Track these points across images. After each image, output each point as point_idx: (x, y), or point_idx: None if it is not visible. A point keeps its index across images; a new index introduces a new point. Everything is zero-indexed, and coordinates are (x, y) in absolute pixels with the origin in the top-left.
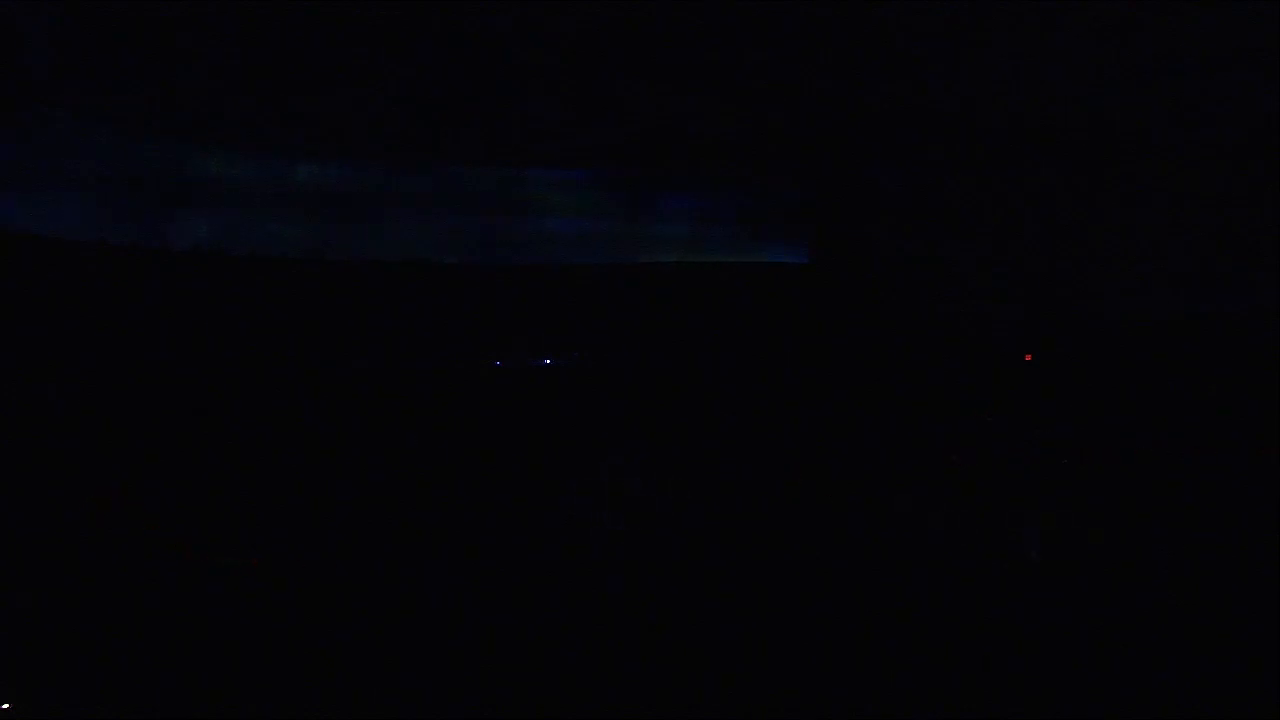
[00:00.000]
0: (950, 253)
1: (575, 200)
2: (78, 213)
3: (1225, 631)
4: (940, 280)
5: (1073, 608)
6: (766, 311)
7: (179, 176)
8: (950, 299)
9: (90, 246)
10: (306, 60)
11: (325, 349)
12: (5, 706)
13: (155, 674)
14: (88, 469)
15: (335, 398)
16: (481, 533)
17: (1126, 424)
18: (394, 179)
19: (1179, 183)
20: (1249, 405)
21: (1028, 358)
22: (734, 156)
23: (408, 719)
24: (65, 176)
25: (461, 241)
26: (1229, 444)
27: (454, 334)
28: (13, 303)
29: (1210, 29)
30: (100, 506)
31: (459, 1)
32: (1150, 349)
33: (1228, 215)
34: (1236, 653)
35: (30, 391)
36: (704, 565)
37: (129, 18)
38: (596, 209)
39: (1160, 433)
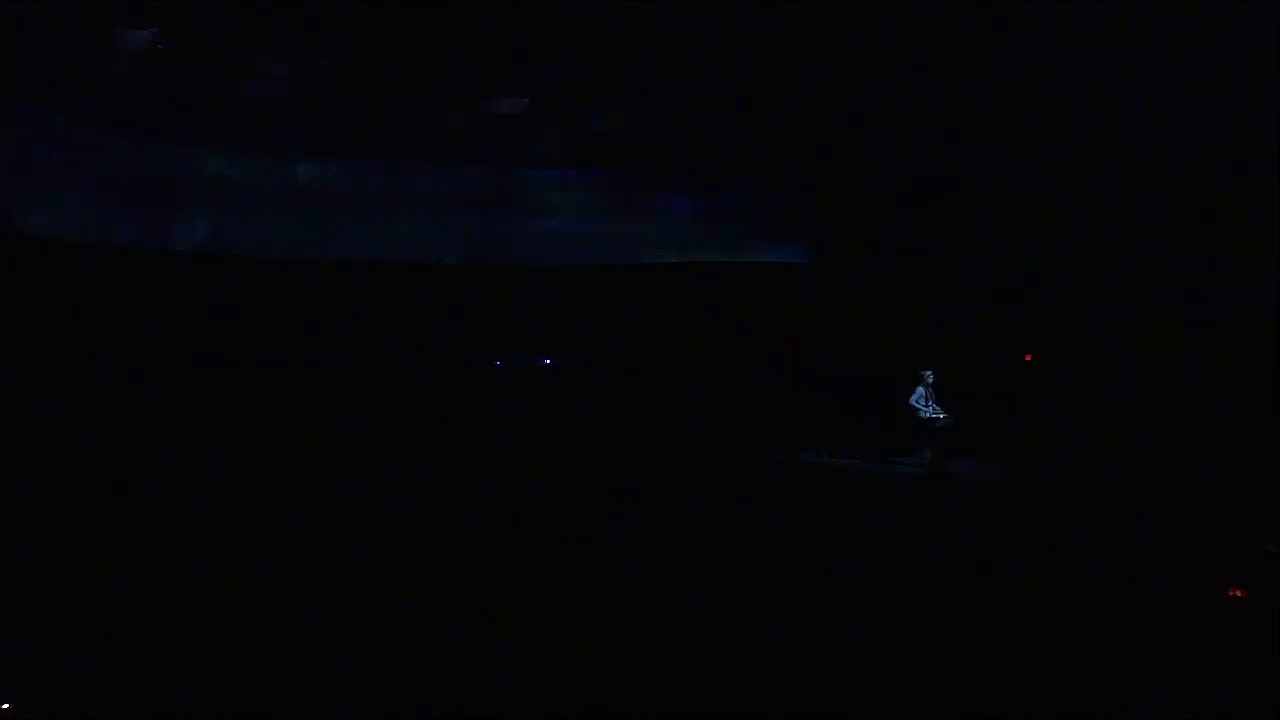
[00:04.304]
0: (950, 253)
1: (575, 200)
2: (78, 213)
3: (1224, 634)
4: (940, 280)
5: (1070, 611)
6: (766, 311)
7: (179, 176)
8: (950, 299)
9: (90, 246)
10: (306, 60)
11: (325, 349)
12: (5, 706)
13: (155, 674)
14: (88, 468)
15: (335, 398)
16: (481, 533)
17: (1126, 424)
18: (394, 179)
19: (1180, 183)
20: (1248, 406)
21: (1028, 358)
22: (734, 156)
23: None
24: (65, 176)
25: (461, 241)
26: (1228, 445)
27: (454, 334)
28: (13, 303)
29: (1211, 30)
30: (100, 505)
31: (458, 1)
32: (1150, 349)
33: (1228, 216)
34: (1235, 655)
35: (30, 391)
36: (704, 568)
37: (129, 17)
38: (596, 209)
39: (1159, 433)
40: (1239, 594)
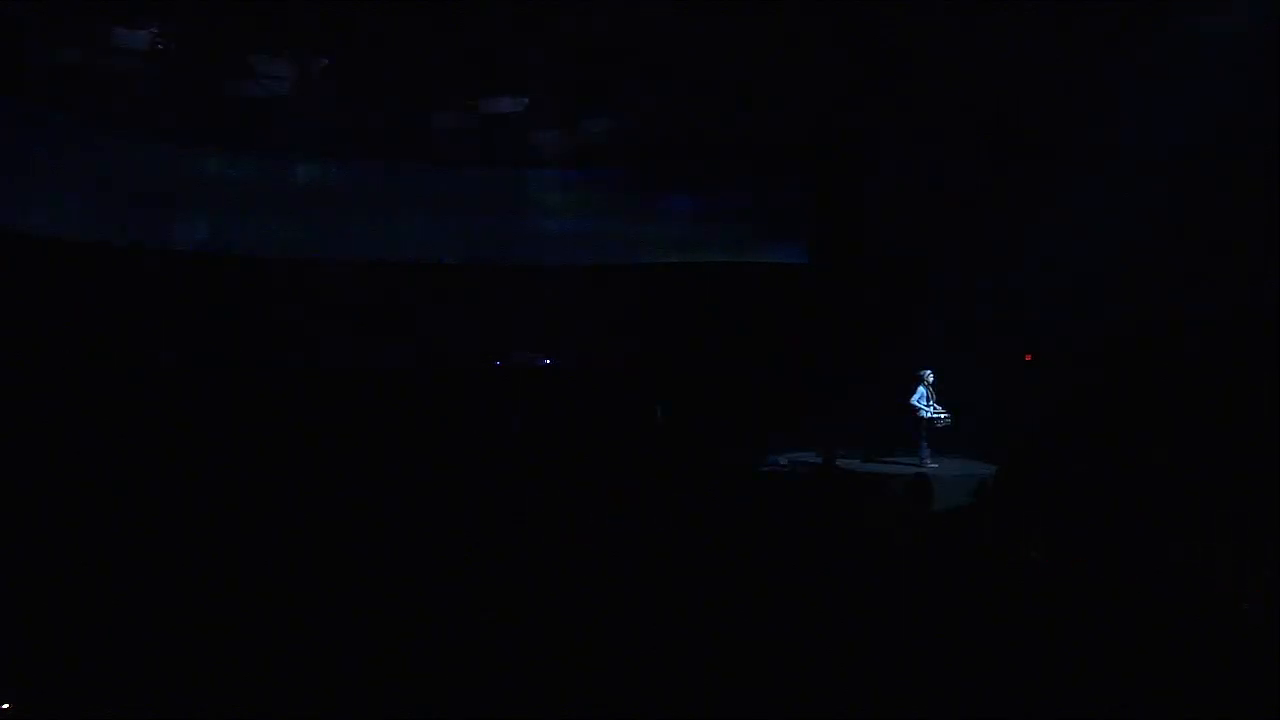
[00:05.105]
0: (949, 253)
1: (575, 200)
2: (78, 213)
3: (1224, 635)
4: (940, 279)
5: (1070, 611)
6: (766, 311)
7: (179, 176)
8: (950, 299)
9: (90, 246)
10: (306, 60)
11: (325, 349)
12: (5, 706)
13: (155, 674)
14: (88, 468)
15: (335, 398)
16: (481, 533)
17: (1125, 424)
18: (394, 179)
19: (1179, 183)
20: (1248, 406)
21: (1028, 358)
22: (734, 156)
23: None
24: (65, 176)
25: (461, 241)
26: (1228, 445)
27: (454, 334)
28: (13, 303)
29: (1210, 30)
30: (100, 505)
31: (459, 1)
32: (1150, 349)
33: (1228, 216)
34: (1234, 657)
35: (30, 391)
36: (703, 569)
37: (129, 17)
38: (596, 209)
39: (1159, 433)
40: None
